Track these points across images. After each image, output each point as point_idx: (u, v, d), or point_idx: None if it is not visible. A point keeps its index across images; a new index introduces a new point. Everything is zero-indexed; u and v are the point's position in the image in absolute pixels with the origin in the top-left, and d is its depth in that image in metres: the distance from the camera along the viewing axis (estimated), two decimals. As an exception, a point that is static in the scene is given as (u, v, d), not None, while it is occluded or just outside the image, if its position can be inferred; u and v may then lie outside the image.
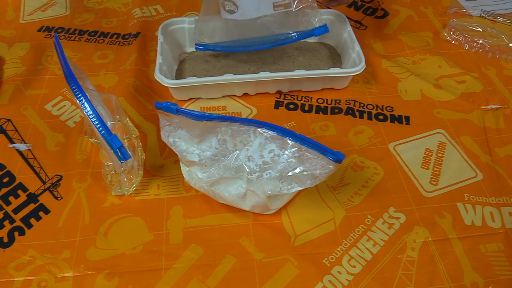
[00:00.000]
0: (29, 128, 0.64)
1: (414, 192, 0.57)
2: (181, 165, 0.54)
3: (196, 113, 0.47)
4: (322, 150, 0.46)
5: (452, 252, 0.52)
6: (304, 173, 0.48)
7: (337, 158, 0.45)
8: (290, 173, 0.48)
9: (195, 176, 0.53)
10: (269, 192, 0.50)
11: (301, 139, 0.46)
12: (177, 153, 0.51)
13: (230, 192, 0.52)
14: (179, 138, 0.51)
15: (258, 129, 0.48)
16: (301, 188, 0.48)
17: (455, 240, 0.53)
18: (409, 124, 0.65)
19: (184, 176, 0.54)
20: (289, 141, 0.47)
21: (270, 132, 0.47)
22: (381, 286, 0.49)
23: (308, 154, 0.47)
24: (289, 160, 0.48)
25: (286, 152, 0.48)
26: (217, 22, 0.68)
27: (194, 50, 0.75)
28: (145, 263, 0.51)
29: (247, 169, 0.49)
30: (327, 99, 0.68)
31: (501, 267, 0.51)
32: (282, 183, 0.49)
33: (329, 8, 0.75)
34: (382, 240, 0.53)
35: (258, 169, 0.49)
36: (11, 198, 0.57)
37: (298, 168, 0.48)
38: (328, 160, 0.46)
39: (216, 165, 0.51)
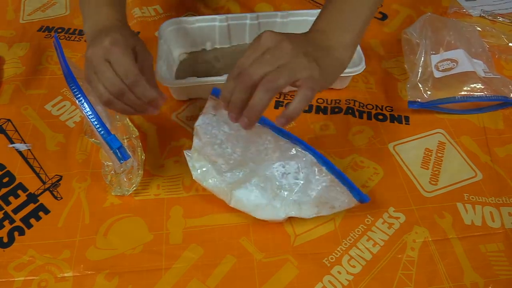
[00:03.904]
0: (29, 128, 0.64)
1: (414, 192, 0.57)
2: (192, 161, 0.54)
3: None
4: (351, 187, 0.48)
5: (452, 252, 0.52)
6: (328, 202, 0.50)
7: (362, 199, 0.48)
8: (315, 200, 0.50)
9: (210, 174, 0.53)
10: (292, 214, 0.51)
11: (336, 172, 0.48)
12: (207, 144, 0.51)
13: (250, 200, 0.52)
14: (218, 131, 0.51)
15: (302, 151, 0.49)
16: (317, 216, 0.50)
17: (455, 240, 0.53)
18: (408, 124, 0.65)
19: (194, 173, 0.54)
20: (325, 170, 0.49)
21: (312, 157, 0.49)
22: (381, 286, 0.49)
23: (337, 188, 0.49)
24: (319, 188, 0.49)
25: (320, 180, 0.49)
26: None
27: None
28: (145, 263, 0.51)
29: (277, 184, 0.50)
30: (327, 99, 0.68)
31: (501, 267, 0.51)
32: (304, 208, 0.51)
33: None
34: (382, 240, 0.53)
35: (288, 188, 0.50)
36: (11, 198, 0.57)
37: (324, 198, 0.50)
38: (353, 198, 0.49)
39: (241, 168, 0.52)
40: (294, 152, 0.49)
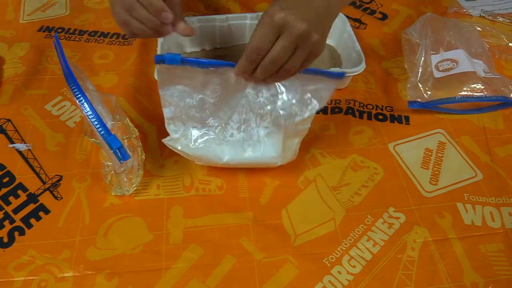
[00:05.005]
0: (29, 128, 0.64)
1: (414, 192, 0.57)
2: (174, 129, 0.54)
3: (203, 60, 0.47)
4: (323, 73, 0.49)
5: (452, 252, 0.52)
6: (313, 96, 0.51)
7: (338, 75, 0.49)
8: (301, 99, 0.50)
9: (194, 131, 0.54)
10: (282, 112, 0.51)
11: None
12: (180, 105, 0.52)
13: (236, 137, 0.53)
14: (181, 86, 0.51)
15: None
16: (313, 111, 0.51)
17: (455, 240, 0.53)
18: (408, 124, 0.65)
19: (178, 143, 0.54)
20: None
21: None
22: (381, 286, 0.49)
23: (312, 80, 0.49)
24: (298, 88, 0.50)
25: (292, 83, 0.50)
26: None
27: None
28: (145, 263, 0.51)
29: (257, 105, 0.51)
30: (327, 99, 0.68)
31: (501, 267, 0.51)
32: (294, 112, 0.51)
33: None
34: (382, 240, 0.53)
35: (268, 102, 0.51)
36: (11, 198, 0.57)
37: (307, 94, 0.50)
38: (331, 79, 0.49)
39: (221, 109, 0.52)
40: None
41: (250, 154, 0.54)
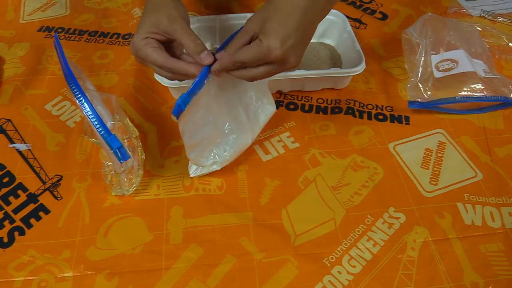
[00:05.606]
0: (29, 128, 0.64)
1: (414, 192, 0.57)
2: (202, 163, 0.56)
3: (199, 77, 0.47)
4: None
5: (452, 252, 0.52)
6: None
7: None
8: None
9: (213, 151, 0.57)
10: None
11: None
12: (198, 134, 0.52)
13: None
14: (199, 115, 0.51)
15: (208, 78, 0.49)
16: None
17: (455, 240, 0.53)
18: (408, 124, 0.65)
19: (208, 165, 0.57)
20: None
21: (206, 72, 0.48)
22: (381, 286, 0.49)
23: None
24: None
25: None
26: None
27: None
28: (145, 263, 0.51)
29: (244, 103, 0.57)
30: (327, 99, 0.68)
31: (501, 267, 0.51)
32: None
33: None
34: (382, 240, 0.53)
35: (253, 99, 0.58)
36: (11, 198, 0.57)
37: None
38: None
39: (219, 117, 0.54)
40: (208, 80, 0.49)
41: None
